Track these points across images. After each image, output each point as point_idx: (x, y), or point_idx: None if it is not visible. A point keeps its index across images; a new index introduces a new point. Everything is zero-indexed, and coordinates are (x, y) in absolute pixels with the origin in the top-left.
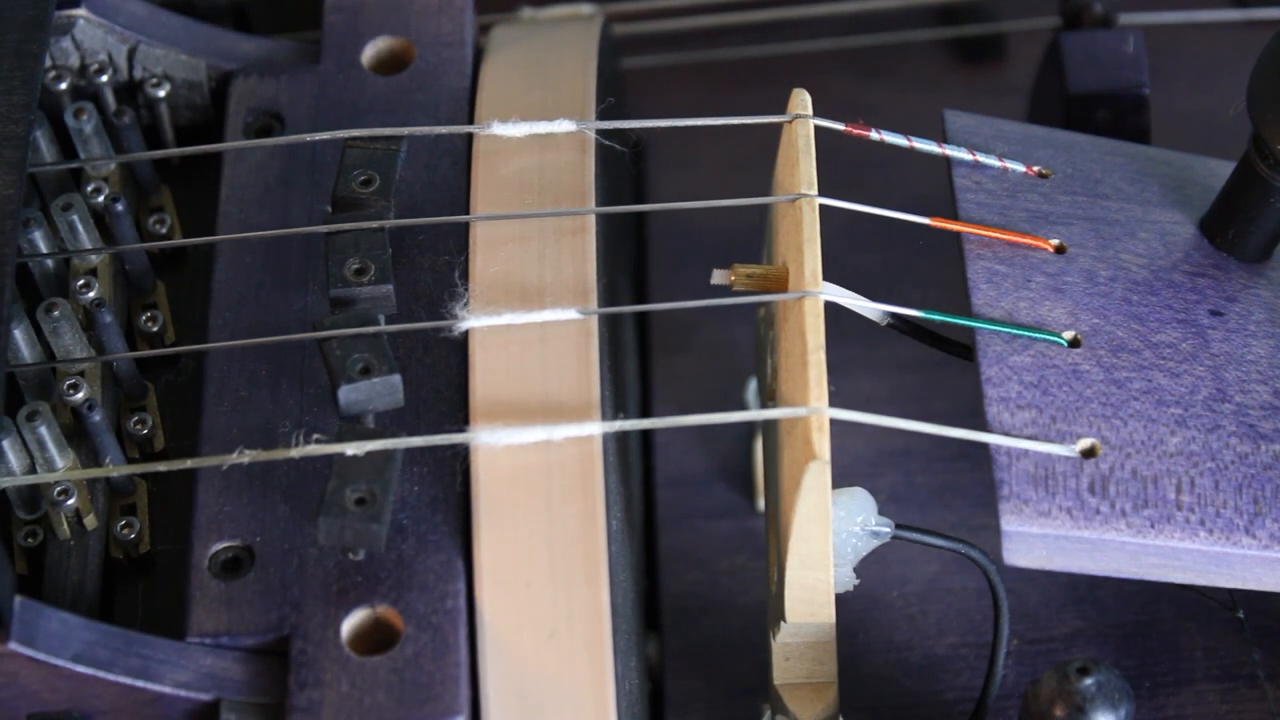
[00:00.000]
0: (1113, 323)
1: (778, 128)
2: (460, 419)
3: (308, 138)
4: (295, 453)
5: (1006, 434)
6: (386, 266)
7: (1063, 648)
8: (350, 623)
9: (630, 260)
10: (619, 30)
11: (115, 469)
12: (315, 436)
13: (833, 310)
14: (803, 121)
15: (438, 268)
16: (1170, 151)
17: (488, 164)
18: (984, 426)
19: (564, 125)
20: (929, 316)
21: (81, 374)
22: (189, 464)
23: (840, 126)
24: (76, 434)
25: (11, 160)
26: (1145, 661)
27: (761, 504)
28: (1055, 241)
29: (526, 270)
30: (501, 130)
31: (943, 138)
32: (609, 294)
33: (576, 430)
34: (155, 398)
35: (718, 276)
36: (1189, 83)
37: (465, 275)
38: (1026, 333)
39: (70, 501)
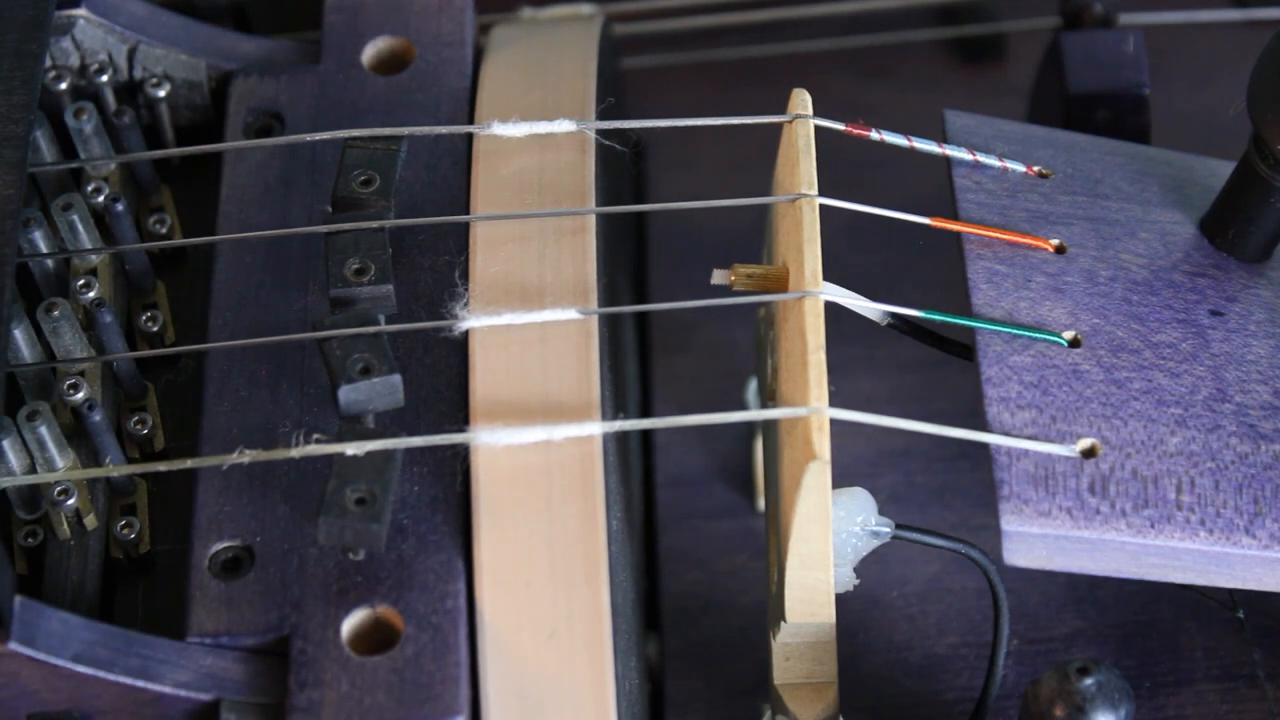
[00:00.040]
0: (1113, 323)
1: (778, 128)
2: (460, 419)
3: (308, 138)
4: (295, 453)
5: (1006, 434)
6: (386, 266)
7: (1063, 648)
8: (350, 623)
9: (630, 260)
10: (619, 30)
11: (115, 469)
12: (315, 436)
13: (833, 310)
14: (803, 121)
15: (438, 268)
16: (1170, 151)
17: (488, 164)
18: (984, 426)
19: (564, 125)
20: (929, 316)
21: (81, 374)
22: (189, 464)
23: (840, 126)
24: (76, 434)
25: (11, 160)
26: (1145, 661)
27: (761, 504)
28: (1055, 241)
29: (526, 270)
30: (501, 130)
31: (943, 138)
32: (609, 294)
33: (576, 430)
34: (155, 398)
35: (718, 276)
36: (1189, 83)
37: (465, 275)
38: (1026, 333)
39: (70, 501)
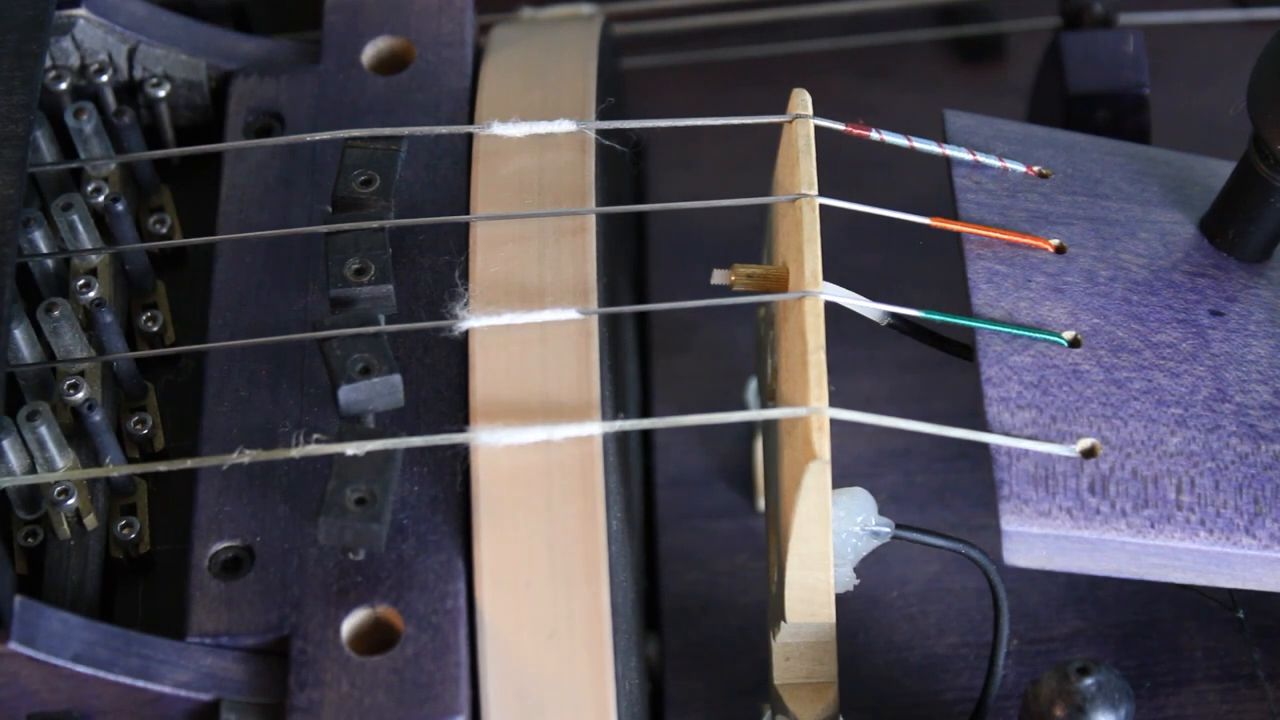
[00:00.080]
0: (1113, 323)
1: (778, 128)
2: (460, 419)
3: (308, 138)
4: (295, 453)
5: (1006, 434)
6: (386, 266)
7: (1063, 648)
8: (350, 623)
9: (630, 260)
10: (619, 30)
11: (115, 469)
12: (315, 436)
13: (833, 310)
14: (803, 121)
15: (438, 268)
16: (1170, 151)
17: (488, 164)
18: (984, 426)
19: (564, 125)
20: (929, 316)
21: (81, 374)
22: (189, 464)
23: (840, 126)
24: (76, 434)
25: (11, 160)
26: (1145, 661)
27: (761, 504)
28: (1055, 241)
29: (526, 270)
30: (501, 130)
31: (943, 138)
32: (609, 294)
33: (576, 430)
34: (155, 398)
35: (718, 276)
36: (1189, 83)
37: (465, 275)
38: (1026, 333)
39: (70, 501)
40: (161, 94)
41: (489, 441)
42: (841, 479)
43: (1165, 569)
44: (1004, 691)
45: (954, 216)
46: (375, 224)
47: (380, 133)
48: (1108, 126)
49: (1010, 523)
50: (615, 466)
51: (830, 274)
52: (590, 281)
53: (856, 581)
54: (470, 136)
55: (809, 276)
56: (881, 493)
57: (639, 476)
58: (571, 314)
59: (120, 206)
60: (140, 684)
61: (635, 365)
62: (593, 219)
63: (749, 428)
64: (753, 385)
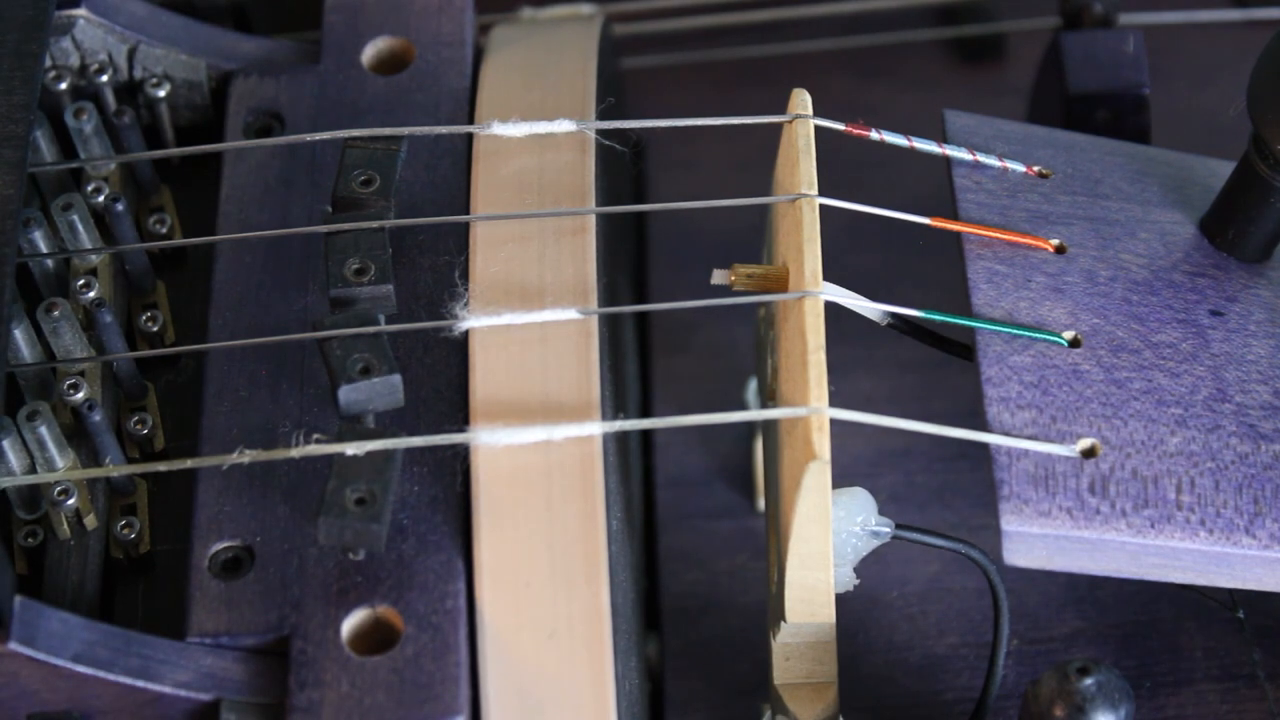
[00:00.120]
0: (1113, 323)
1: (778, 128)
2: (460, 419)
3: (308, 138)
4: (295, 453)
5: (1006, 434)
6: (386, 266)
7: (1063, 648)
8: (350, 623)
9: (630, 260)
10: (619, 30)
11: (115, 469)
12: (315, 436)
13: (833, 310)
14: (803, 121)
15: (438, 268)
16: (1170, 151)
17: (488, 164)
18: (984, 426)
19: (564, 125)
20: (929, 316)
21: (81, 374)
22: (189, 464)
23: (840, 126)
24: (76, 434)
25: (11, 160)
26: (1145, 661)
27: (761, 504)
28: (1055, 241)
29: (526, 270)
30: (501, 130)
31: (943, 138)
32: (609, 294)
33: (576, 430)
34: (155, 398)
35: (718, 276)
36: (1189, 83)
37: (465, 275)
38: (1026, 333)
39: (70, 501)
40: (161, 94)
41: (489, 441)
42: (841, 479)
43: (1165, 569)
44: (1004, 691)
45: (954, 216)
46: (375, 224)
47: (380, 133)
48: (1108, 126)
49: (1010, 523)
50: (615, 466)
51: (830, 274)
52: (590, 281)
53: (856, 581)
54: (470, 136)
55: (809, 276)
56: (881, 493)
57: (639, 476)
58: (571, 314)
59: (120, 206)
60: (140, 684)
61: (635, 365)
62: (593, 219)
63: (749, 428)
64: (753, 385)
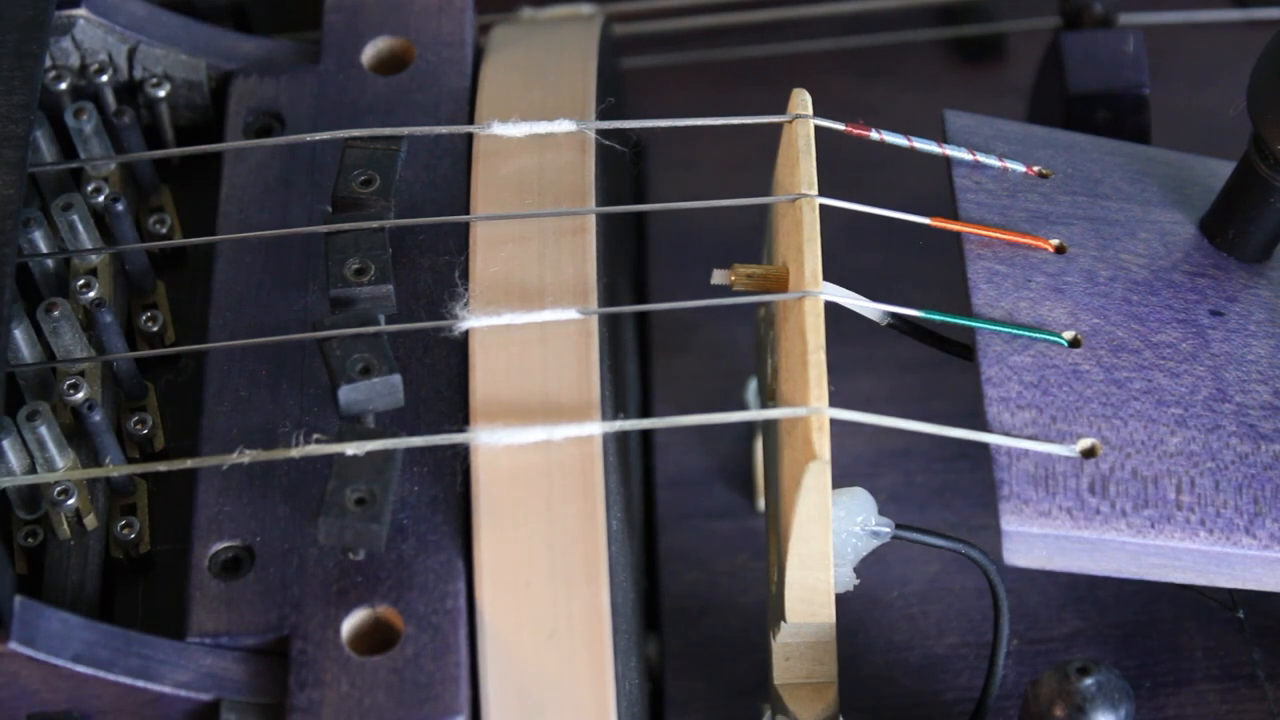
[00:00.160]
0: (1113, 323)
1: (778, 128)
2: (460, 419)
3: (308, 138)
4: (295, 453)
5: (1006, 434)
6: (386, 266)
7: (1063, 648)
8: (350, 623)
9: (630, 260)
10: (619, 30)
11: (115, 469)
12: (315, 436)
13: (833, 310)
14: (803, 121)
15: (438, 268)
16: (1170, 151)
17: (488, 164)
18: (984, 426)
19: (564, 125)
20: (929, 316)
21: (81, 374)
22: (189, 464)
23: (840, 126)
24: (76, 434)
25: (11, 160)
26: (1145, 661)
27: (761, 504)
28: (1055, 241)
29: (526, 270)
30: (501, 130)
31: (943, 138)
32: (609, 294)
33: (576, 430)
34: (155, 398)
35: (718, 276)
36: (1189, 83)
37: (465, 275)
38: (1026, 333)
39: (70, 501)
40: (161, 94)
41: (489, 441)
42: (841, 479)
43: (1165, 569)
44: (1004, 691)
45: (954, 216)
46: (375, 224)
47: (380, 133)
48: (1108, 126)
49: (1010, 523)
50: (615, 466)
51: (830, 274)
52: (590, 281)
53: (856, 581)
54: (470, 136)
55: (809, 276)
56: (881, 493)
57: (639, 476)
58: (571, 314)
59: (120, 206)
60: (140, 684)
61: (635, 365)
62: (593, 219)
63: (749, 428)
64: (753, 385)
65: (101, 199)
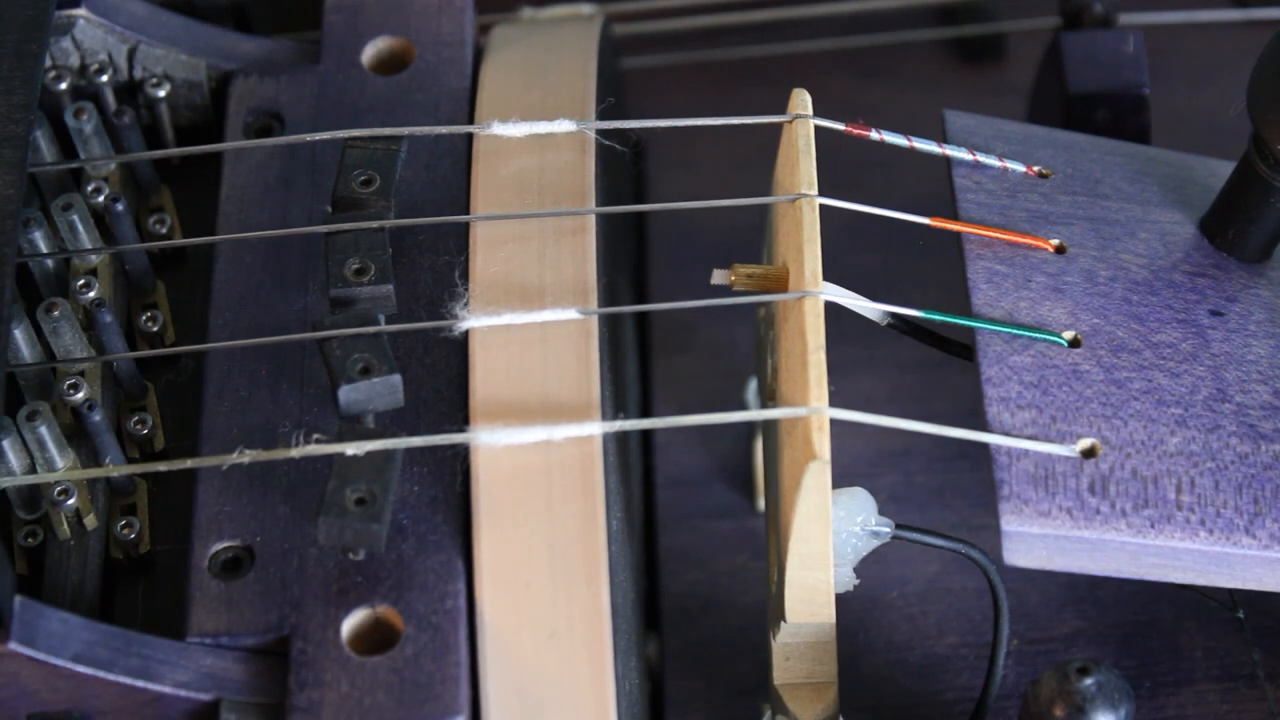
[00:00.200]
0: (1113, 323)
1: (778, 128)
2: (460, 419)
3: (308, 138)
4: (295, 453)
5: (1006, 434)
6: (386, 266)
7: (1063, 648)
8: (350, 623)
9: (630, 260)
10: (619, 30)
11: (115, 469)
12: (315, 436)
13: (833, 310)
14: (803, 121)
15: (438, 268)
16: (1170, 151)
17: (488, 164)
18: (984, 426)
19: (564, 125)
20: (929, 316)
21: (81, 374)
22: (189, 464)
23: (840, 126)
24: (76, 434)
25: (11, 160)
26: (1145, 661)
27: (761, 504)
28: (1055, 241)
29: (526, 270)
30: (501, 130)
31: (943, 138)
32: (609, 294)
33: (576, 430)
34: (155, 398)
35: (718, 276)
36: (1189, 83)
37: (465, 275)
38: (1026, 333)
39: (70, 501)
40: (161, 94)
41: (489, 441)
42: (841, 479)
43: (1165, 569)
44: (1004, 691)
45: (954, 216)
46: (375, 224)
47: (380, 133)
48: (1108, 126)
49: (1010, 523)
50: (615, 466)
51: (830, 274)
52: (590, 281)
53: (856, 581)
54: (470, 136)
55: (809, 276)
56: (881, 493)
57: (639, 476)
58: (571, 314)
59: (120, 206)
60: (140, 684)
61: (635, 365)
62: (593, 219)
63: (749, 428)
64: (753, 385)
65: (101, 199)
